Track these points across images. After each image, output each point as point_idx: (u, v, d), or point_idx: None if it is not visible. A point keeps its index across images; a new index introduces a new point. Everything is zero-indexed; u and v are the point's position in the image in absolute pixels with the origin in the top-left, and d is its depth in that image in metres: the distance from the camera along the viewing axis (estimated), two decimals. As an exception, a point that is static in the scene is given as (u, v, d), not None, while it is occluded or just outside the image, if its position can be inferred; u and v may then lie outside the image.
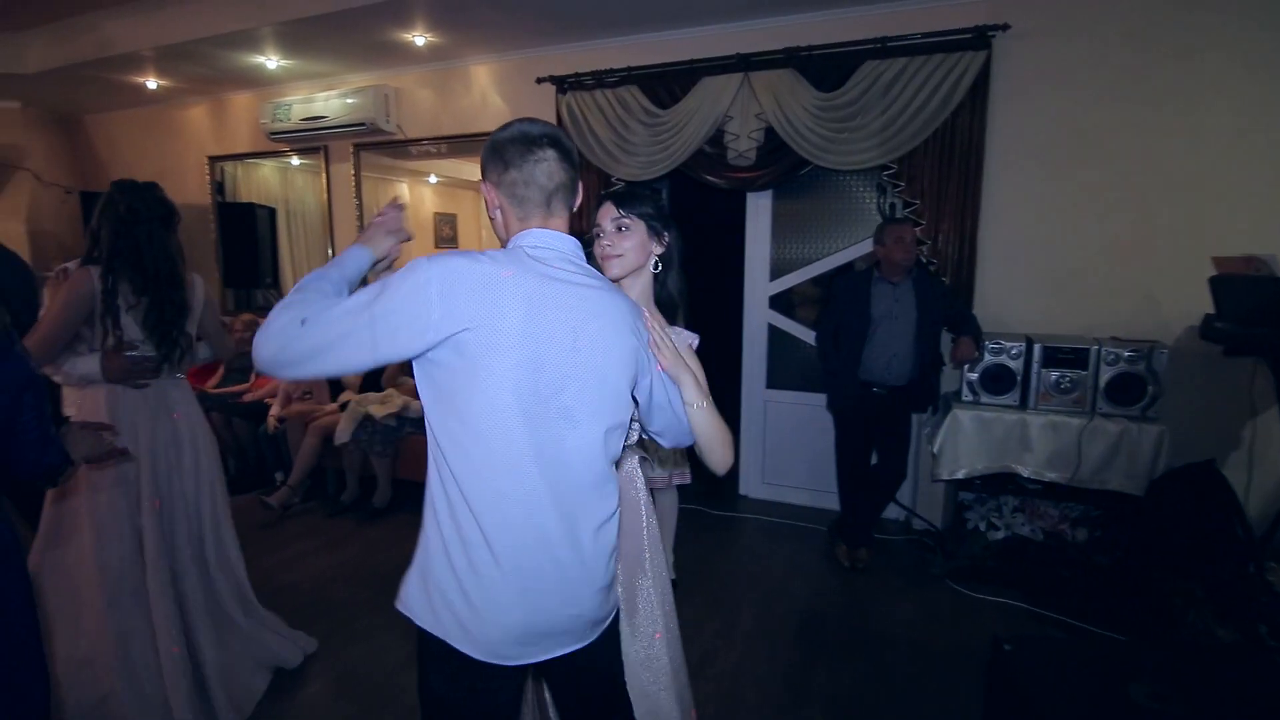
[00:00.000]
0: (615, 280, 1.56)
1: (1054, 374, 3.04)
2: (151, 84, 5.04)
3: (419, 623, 1.15)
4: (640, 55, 3.94)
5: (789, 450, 4.19)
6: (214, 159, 5.59)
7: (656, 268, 1.62)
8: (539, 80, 4.17)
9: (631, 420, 1.44)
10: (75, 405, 2.13)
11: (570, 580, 1.15)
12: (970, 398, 3.18)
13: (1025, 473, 3.05)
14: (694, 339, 1.58)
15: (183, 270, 2.17)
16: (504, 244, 1.23)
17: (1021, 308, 3.41)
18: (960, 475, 3.14)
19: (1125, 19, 3.11)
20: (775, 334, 4.18)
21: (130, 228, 2.04)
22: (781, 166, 3.73)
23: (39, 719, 1.38)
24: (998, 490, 3.23)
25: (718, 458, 1.44)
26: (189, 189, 5.73)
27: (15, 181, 5.56)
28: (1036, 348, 3.06)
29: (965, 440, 3.13)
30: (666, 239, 1.62)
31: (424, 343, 1.06)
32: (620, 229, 1.55)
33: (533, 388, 1.09)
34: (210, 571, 2.33)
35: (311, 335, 1.05)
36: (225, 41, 4.18)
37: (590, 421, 1.15)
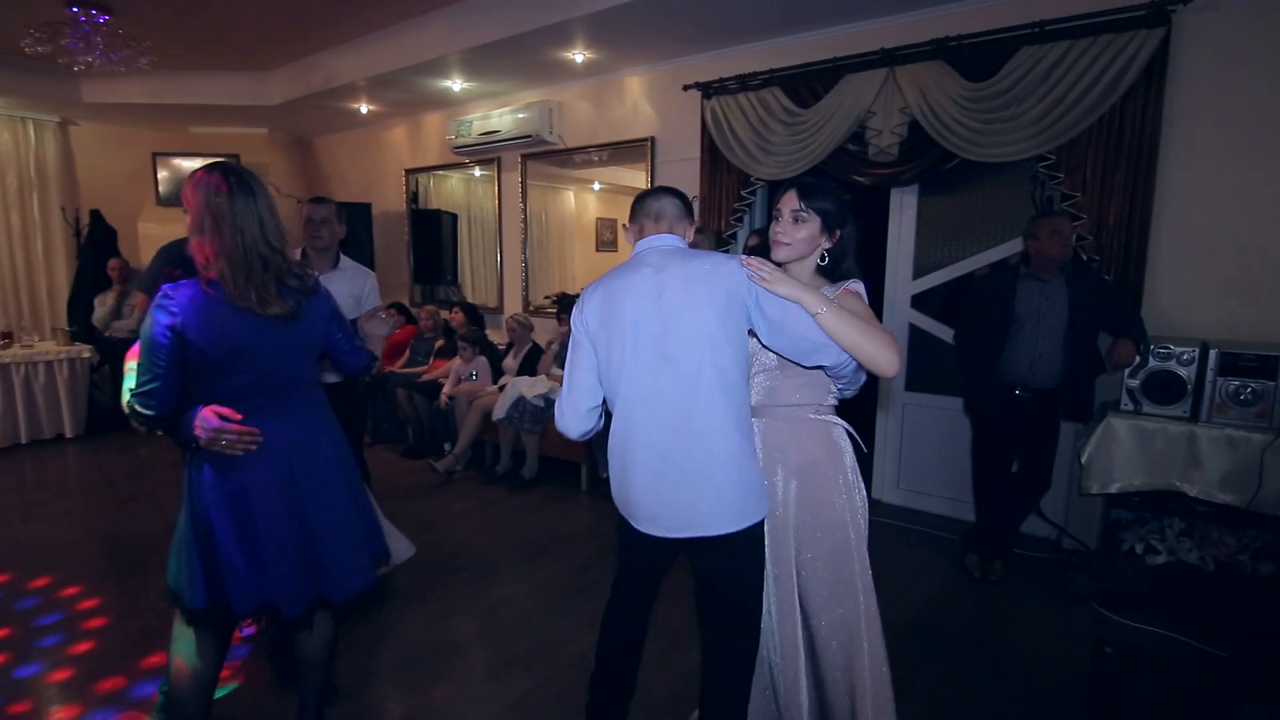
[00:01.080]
0: (780, 264, 1.64)
1: (1233, 383, 2.70)
2: (363, 109, 5.97)
3: None
4: (782, 57, 4.01)
5: (928, 456, 4.03)
6: (409, 171, 6.45)
7: (823, 260, 1.66)
8: (685, 87, 4.38)
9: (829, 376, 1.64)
10: None
11: (667, 484, 1.53)
12: (1130, 406, 2.91)
13: (1193, 492, 2.74)
14: (859, 285, 1.63)
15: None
16: None
17: (1199, 310, 3.05)
18: (1112, 490, 2.88)
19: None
20: (916, 334, 4.05)
21: None
22: (925, 161, 3.63)
23: (384, 550, 1.91)
24: (1161, 510, 2.92)
25: (873, 357, 1.40)
26: (389, 198, 6.66)
27: (262, 194, 6.76)
28: (1213, 353, 2.74)
29: (1120, 452, 2.87)
30: (839, 235, 1.65)
31: (594, 341, 1.62)
32: (796, 220, 1.62)
33: (636, 345, 1.54)
34: None
35: (569, 392, 1.65)
36: (421, 69, 4.86)
37: (685, 360, 1.51)
